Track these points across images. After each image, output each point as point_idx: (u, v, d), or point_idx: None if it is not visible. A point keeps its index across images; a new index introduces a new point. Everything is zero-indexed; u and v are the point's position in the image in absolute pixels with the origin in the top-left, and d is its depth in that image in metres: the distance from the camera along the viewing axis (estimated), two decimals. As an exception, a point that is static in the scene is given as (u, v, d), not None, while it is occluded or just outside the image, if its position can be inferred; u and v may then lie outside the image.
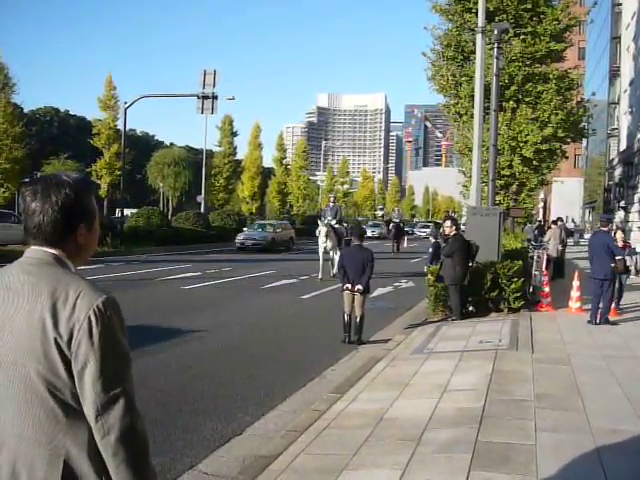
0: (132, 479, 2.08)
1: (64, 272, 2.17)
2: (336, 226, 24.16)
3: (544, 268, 16.56)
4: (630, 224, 38.59)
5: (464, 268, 13.52)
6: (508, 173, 23.68)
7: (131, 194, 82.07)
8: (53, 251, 2.19)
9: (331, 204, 25.74)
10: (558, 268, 22.13)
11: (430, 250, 18.39)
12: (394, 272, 24.86)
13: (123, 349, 2.16)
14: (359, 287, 11.58)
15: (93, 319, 2.06)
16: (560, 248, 22.80)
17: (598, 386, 8.17)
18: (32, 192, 2.18)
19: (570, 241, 55.70)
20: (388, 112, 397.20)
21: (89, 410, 2.06)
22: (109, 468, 2.08)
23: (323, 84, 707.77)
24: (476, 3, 18.95)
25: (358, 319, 11.65)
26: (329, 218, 24.26)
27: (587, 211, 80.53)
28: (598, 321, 12.97)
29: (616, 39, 52.07)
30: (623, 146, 46.00)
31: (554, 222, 25.85)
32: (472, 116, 18.76)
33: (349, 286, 11.62)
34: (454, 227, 14.28)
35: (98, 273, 21.43)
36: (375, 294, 17.30)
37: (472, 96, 18.74)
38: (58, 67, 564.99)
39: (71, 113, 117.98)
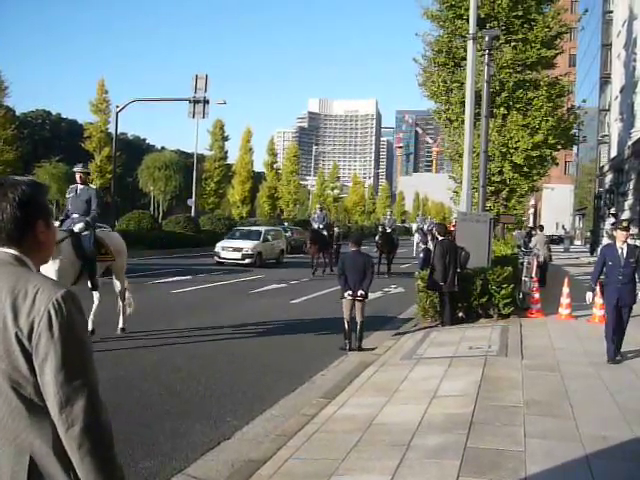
0: (98, 471, 2.07)
1: (24, 270, 2.19)
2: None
3: (534, 274, 16.59)
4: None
5: (453, 273, 13.53)
6: (498, 179, 23.76)
7: (122, 198, 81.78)
8: (12, 251, 2.21)
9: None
10: (541, 275, 22.15)
11: (421, 255, 18.42)
12: (383, 277, 24.85)
13: (84, 340, 2.15)
14: (361, 293, 11.51)
15: (52, 312, 2.07)
16: (547, 254, 22.84)
17: (587, 393, 8.18)
18: None
19: (560, 248, 55.99)
20: (379, 117, 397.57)
21: (52, 403, 2.05)
22: (73, 461, 2.07)
23: (314, 89, 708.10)
24: (467, 10, 19.02)
25: (359, 325, 11.56)
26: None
27: (577, 218, 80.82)
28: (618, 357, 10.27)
29: (607, 46, 52.29)
30: (614, 153, 46.19)
31: (540, 228, 25.98)
32: (463, 122, 18.83)
33: (350, 292, 11.51)
34: (439, 233, 14.38)
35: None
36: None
37: (463, 102, 18.82)
38: (50, 70, 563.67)
39: (63, 116, 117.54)
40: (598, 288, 11.40)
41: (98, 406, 2.12)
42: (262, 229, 34.82)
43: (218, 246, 30.78)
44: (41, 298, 2.08)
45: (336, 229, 37.73)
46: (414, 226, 46.88)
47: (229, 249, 30.21)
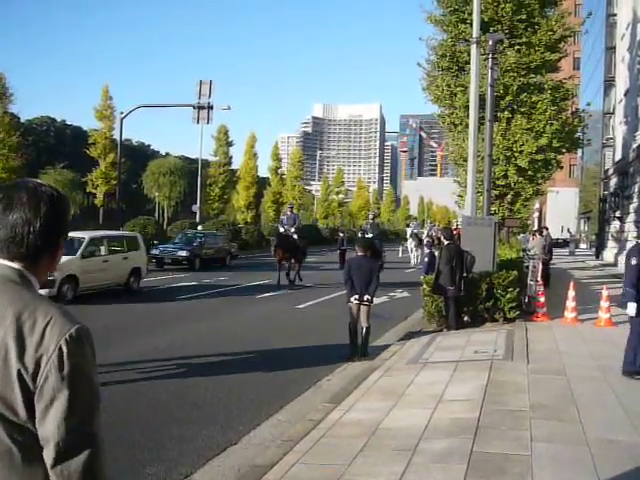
0: None
1: (30, 293, 1.94)
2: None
3: (539, 278, 16.57)
4: (626, 234, 38.61)
5: (459, 278, 13.53)
6: (503, 183, 23.71)
7: (127, 204, 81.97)
8: (17, 266, 1.97)
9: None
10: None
11: (426, 260, 18.40)
12: (389, 282, 24.84)
13: (94, 387, 1.91)
14: (368, 297, 11.48)
15: (65, 350, 1.82)
16: (546, 258, 22.82)
17: (594, 396, 8.16)
18: (16, 199, 1.97)
19: (565, 251, 55.90)
20: (383, 122, 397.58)
21: (50, 453, 1.81)
22: None
23: (318, 94, 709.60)
24: (471, 14, 19.02)
25: (364, 331, 11.52)
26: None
27: (582, 221, 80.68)
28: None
29: (611, 49, 52.24)
30: (618, 156, 46.08)
31: (540, 232, 25.95)
32: (467, 126, 18.79)
33: (356, 297, 11.47)
34: (444, 237, 14.38)
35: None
36: (371, 304, 17.29)
37: (467, 106, 18.77)
38: (54, 77, 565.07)
39: (67, 123, 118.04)
40: (605, 293, 10.96)
41: (99, 464, 1.87)
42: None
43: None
44: (52, 333, 1.83)
45: (341, 234, 37.88)
46: (408, 231, 44.03)
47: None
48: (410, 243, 41.46)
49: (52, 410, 1.80)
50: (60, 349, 1.82)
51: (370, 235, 24.44)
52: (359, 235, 25.41)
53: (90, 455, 1.83)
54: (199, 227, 39.96)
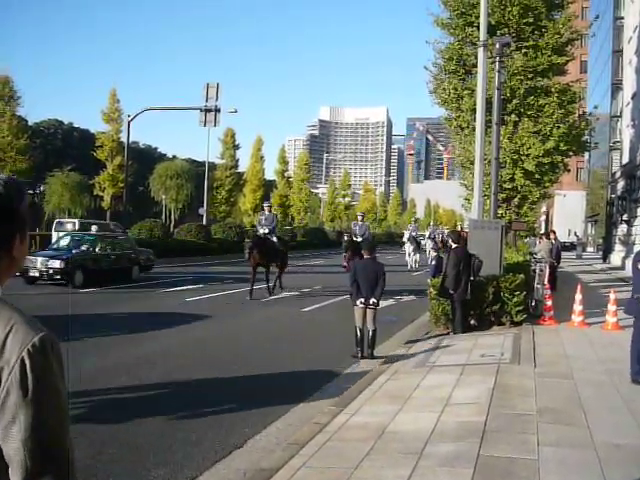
0: None
1: None
2: (273, 238, 21.50)
3: (546, 281, 16.54)
4: (633, 237, 38.51)
5: (466, 281, 13.51)
6: (510, 186, 23.67)
7: (134, 206, 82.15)
8: None
9: (267, 212, 22.56)
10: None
11: (433, 263, 18.37)
12: (396, 285, 24.81)
13: (62, 401, 1.71)
14: (374, 301, 11.44)
15: (28, 362, 1.63)
16: (553, 262, 22.78)
17: (601, 400, 8.13)
18: None
19: (572, 254, 55.78)
20: (390, 125, 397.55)
21: (15, 473, 1.63)
22: None
23: (325, 97, 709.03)
24: (478, 17, 19.02)
25: (371, 333, 11.49)
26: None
27: (589, 224, 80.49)
28: None
29: (618, 52, 52.17)
30: (625, 159, 45.98)
31: (547, 235, 25.91)
32: (474, 129, 18.76)
33: (363, 300, 11.44)
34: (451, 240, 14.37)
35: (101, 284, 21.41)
36: (377, 307, 17.29)
37: (474, 109, 18.75)
38: (62, 80, 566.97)
39: (75, 126, 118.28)
40: (612, 297, 10.84)
41: None
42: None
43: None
44: (13, 343, 1.64)
45: (346, 236, 37.73)
46: (406, 234, 42.19)
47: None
48: (408, 247, 39.73)
49: (15, 427, 1.62)
50: (22, 361, 1.63)
51: (359, 238, 22.57)
52: (345, 238, 23.11)
53: (58, 476, 1.66)
54: (93, 227, 30.85)
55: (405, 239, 41.75)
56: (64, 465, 1.67)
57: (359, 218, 25.09)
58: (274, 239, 21.49)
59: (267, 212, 22.46)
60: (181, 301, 18.80)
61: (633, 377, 9.20)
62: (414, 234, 40.77)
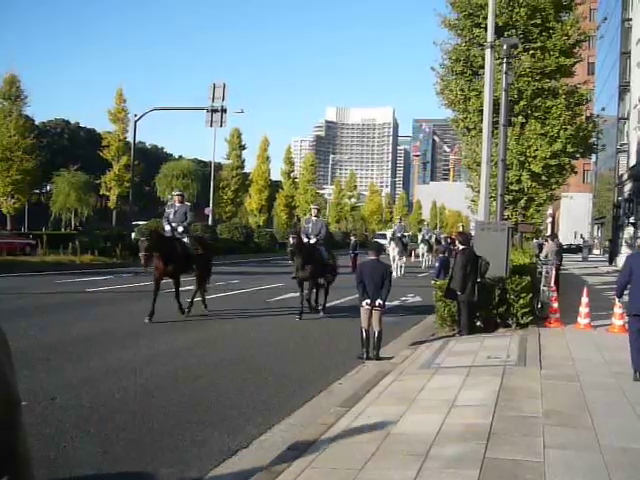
0: None
1: None
2: (185, 239, 16.22)
3: (552, 284, 16.51)
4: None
5: (472, 283, 13.48)
6: (517, 188, 23.66)
7: (140, 206, 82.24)
8: None
9: (177, 203, 16.58)
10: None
11: (437, 264, 18.36)
12: (401, 286, 24.79)
13: (12, 397, 1.55)
14: (379, 302, 11.39)
15: None
16: (557, 264, 22.79)
17: (608, 403, 8.10)
18: None
19: (578, 257, 55.68)
20: (396, 126, 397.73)
21: None
22: None
23: (331, 98, 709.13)
24: (485, 18, 19.01)
25: (376, 334, 11.46)
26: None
27: (596, 227, 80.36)
28: None
29: (626, 54, 52.07)
30: (633, 161, 45.91)
31: (552, 237, 25.91)
32: (481, 131, 18.74)
33: (368, 301, 11.39)
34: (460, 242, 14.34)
35: (108, 284, 21.46)
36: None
37: (481, 111, 18.73)
38: (69, 79, 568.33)
39: (81, 125, 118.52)
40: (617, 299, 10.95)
41: None
42: None
43: None
44: None
45: (353, 237, 37.72)
46: (419, 236, 40.05)
47: None
48: (392, 250, 32.88)
49: None
50: None
51: (313, 239, 17.42)
52: (290, 241, 16.83)
53: (12, 475, 1.49)
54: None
55: (388, 240, 34.21)
56: (14, 470, 1.50)
57: (313, 212, 18.59)
58: (185, 240, 16.14)
59: (178, 203, 16.51)
60: (184, 300, 18.77)
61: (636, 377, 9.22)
62: (399, 234, 33.82)
